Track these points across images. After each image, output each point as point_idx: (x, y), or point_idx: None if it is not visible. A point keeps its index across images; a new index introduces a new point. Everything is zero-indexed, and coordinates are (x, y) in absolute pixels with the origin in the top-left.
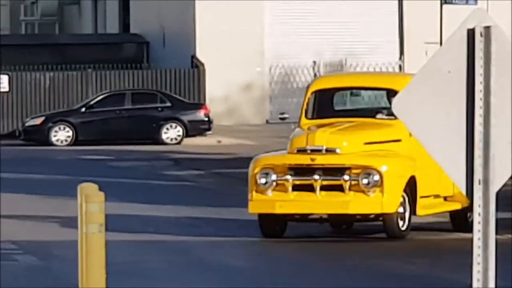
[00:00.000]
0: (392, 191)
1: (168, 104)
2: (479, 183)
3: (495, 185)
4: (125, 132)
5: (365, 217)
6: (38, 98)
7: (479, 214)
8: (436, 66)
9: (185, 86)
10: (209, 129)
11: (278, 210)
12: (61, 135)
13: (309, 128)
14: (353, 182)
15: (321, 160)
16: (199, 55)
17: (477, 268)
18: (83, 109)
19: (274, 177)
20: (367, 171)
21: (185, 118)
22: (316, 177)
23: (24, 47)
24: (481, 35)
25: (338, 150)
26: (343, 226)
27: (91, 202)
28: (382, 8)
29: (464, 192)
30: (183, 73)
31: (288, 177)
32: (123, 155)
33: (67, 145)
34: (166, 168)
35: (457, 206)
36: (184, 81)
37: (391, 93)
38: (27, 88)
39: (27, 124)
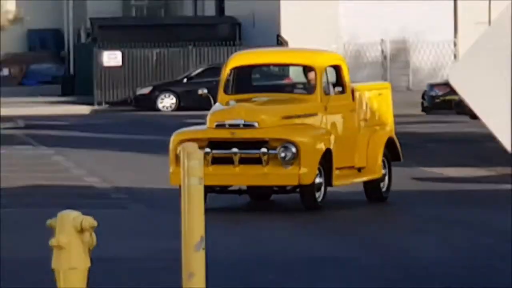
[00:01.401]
0: (309, 163)
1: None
2: None
3: None
4: None
5: (282, 189)
6: (146, 71)
7: None
8: (488, 41)
9: None
10: None
11: None
12: (166, 102)
13: (227, 103)
14: (270, 155)
15: (240, 134)
16: (284, 34)
17: None
18: (185, 80)
19: None
20: (285, 144)
21: None
22: (235, 150)
23: (134, 27)
24: None
25: (256, 124)
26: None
27: (192, 159)
28: None
29: (510, 150)
30: None
31: (208, 150)
32: None
33: (172, 110)
34: None
35: (370, 176)
36: None
37: (307, 69)
38: (137, 63)
39: (137, 93)
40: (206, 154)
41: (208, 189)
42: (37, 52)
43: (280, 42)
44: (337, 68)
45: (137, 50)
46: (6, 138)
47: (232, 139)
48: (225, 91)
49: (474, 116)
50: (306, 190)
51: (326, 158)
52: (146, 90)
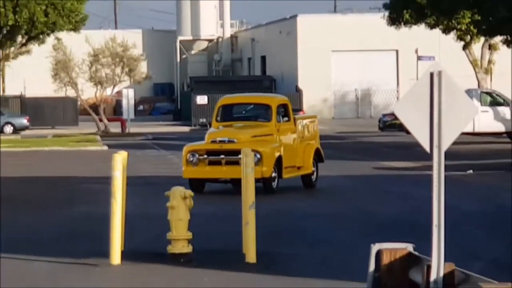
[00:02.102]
0: (268, 164)
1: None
2: (436, 147)
3: (443, 148)
4: None
5: None
6: None
7: (436, 162)
8: (416, 90)
9: (293, 101)
10: None
11: (200, 176)
12: None
13: (218, 128)
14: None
15: (225, 146)
16: (300, 85)
17: (435, 190)
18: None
19: (197, 156)
20: (253, 152)
21: (294, 115)
22: (222, 156)
23: (214, 82)
24: (437, 75)
25: (235, 140)
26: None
27: (248, 157)
28: (390, 60)
29: (428, 151)
30: (292, 94)
31: (206, 156)
32: None
33: None
34: None
35: (305, 172)
36: (293, 98)
37: (267, 107)
38: (216, 102)
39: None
40: (204, 159)
41: (207, 180)
42: (159, 96)
43: (297, 90)
44: (285, 106)
45: (216, 95)
46: (141, 145)
47: (221, 150)
48: (216, 120)
49: (408, 132)
50: (266, 181)
51: (278, 161)
52: None
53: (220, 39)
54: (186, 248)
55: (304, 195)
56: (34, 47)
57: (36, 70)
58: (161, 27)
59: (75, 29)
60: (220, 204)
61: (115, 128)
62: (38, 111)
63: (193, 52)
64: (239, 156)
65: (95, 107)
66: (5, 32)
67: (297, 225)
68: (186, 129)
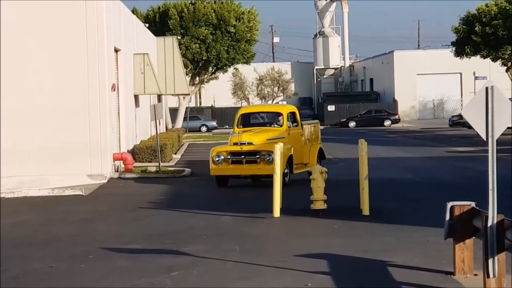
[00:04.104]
0: (281, 162)
1: (385, 113)
2: (490, 137)
3: (495, 137)
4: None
5: (267, 176)
6: (345, 111)
7: (491, 147)
8: (477, 98)
9: (391, 108)
10: (399, 121)
11: (225, 173)
12: (351, 124)
13: (238, 133)
14: (261, 159)
15: (245, 148)
16: (396, 97)
17: (490, 165)
18: (359, 115)
19: (222, 157)
20: (268, 153)
21: (392, 117)
22: (242, 156)
23: (339, 96)
24: (490, 88)
25: (253, 143)
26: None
27: (362, 145)
28: (456, 80)
29: (485, 139)
30: (390, 104)
31: (229, 157)
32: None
33: (354, 127)
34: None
35: (310, 167)
36: (391, 107)
37: (278, 114)
38: (342, 109)
39: (341, 120)
40: (228, 159)
41: (231, 176)
42: (302, 105)
43: (394, 100)
44: (293, 113)
45: (341, 105)
46: None
47: (241, 151)
48: (237, 126)
49: (470, 127)
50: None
51: (289, 159)
52: (344, 119)
53: (342, 67)
54: (323, 206)
55: (395, 170)
56: (220, 74)
57: (221, 89)
58: (303, 60)
59: (247, 62)
60: (338, 180)
61: None
62: (223, 116)
63: (324, 76)
64: (257, 156)
65: None
66: (200, 65)
67: (394, 190)
68: (320, 127)
